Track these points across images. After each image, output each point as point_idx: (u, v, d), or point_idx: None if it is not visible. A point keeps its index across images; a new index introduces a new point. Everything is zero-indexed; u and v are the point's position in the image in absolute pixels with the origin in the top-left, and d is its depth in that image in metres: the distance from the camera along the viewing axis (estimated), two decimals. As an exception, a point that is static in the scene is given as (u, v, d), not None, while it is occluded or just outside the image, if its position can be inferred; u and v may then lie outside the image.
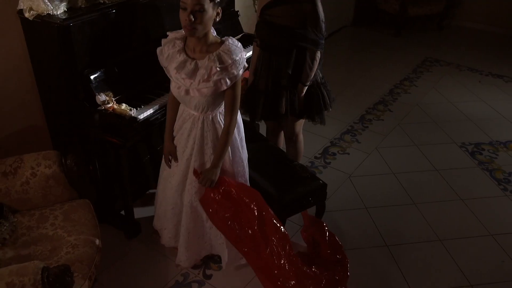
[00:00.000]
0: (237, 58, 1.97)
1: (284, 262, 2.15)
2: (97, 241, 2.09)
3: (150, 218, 2.79)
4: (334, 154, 3.62)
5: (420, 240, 2.80)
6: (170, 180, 2.37)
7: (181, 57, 2.00)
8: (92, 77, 2.36)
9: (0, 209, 2.12)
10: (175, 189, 2.34)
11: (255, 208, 2.18)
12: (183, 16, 1.90)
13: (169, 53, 2.05)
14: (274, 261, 2.14)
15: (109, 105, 2.32)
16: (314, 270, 2.28)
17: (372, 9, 6.55)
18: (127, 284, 2.44)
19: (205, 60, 1.97)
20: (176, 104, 2.24)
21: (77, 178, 2.36)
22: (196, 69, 1.98)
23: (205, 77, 1.96)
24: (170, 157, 2.34)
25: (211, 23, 1.96)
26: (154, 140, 3.01)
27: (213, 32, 2.08)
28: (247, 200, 2.18)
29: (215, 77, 1.95)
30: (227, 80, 1.98)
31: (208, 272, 2.53)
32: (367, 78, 5.00)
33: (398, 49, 5.83)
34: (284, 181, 2.52)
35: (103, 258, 2.23)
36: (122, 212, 2.77)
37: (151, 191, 3.11)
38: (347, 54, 5.68)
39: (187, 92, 2.02)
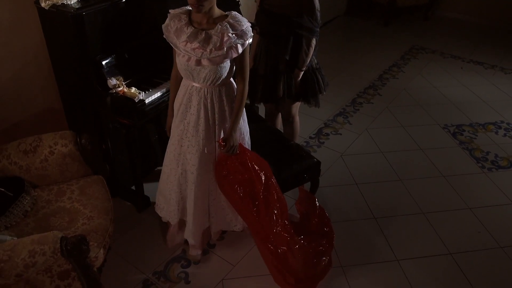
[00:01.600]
0: (245, 26, 1.89)
1: (279, 229, 2.16)
2: (110, 214, 2.09)
3: (159, 193, 2.80)
4: (327, 134, 3.61)
5: (405, 213, 2.81)
6: (184, 155, 2.19)
7: (190, 29, 1.88)
8: (103, 62, 2.33)
9: (22, 184, 2.12)
10: (190, 164, 2.17)
11: (263, 176, 2.16)
12: None
13: (176, 27, 1.91)
14: (271, 227, 2.14)
15: (120, 89, 2.30)
16: (303, 242, 2.29)
17: (364, 0, 6.46)
18: (138, 252, 2.46)
19: (217, 28, 1.85)
20: (180, 80, 2.12)
21: (91, 156, 2.35)
22: (208, 37, 1.85)
23: (218, 44, 1.84)
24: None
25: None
26: (161, 120, 2.99)
27: None
28: (257, 168, 2.16)
29: (227, 44, 1.84)
30: (239, 46, 1.87)
31: (211, 242, 2.54)
32: (358, 64, 4.96)
33: (387, 37, 5.76)
34: (281, 159, 2.51)
35: (116, 229, 2.24)
36: (133, 187, 2.78)
37: (159, 168, 3.10)
38: (340, 42, 5.61)
39: (198, 62, 1.88)
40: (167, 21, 1.96)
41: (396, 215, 2.79)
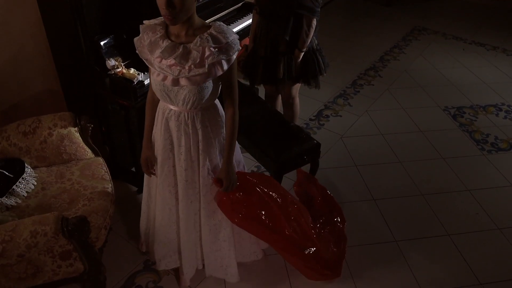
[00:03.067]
0: (231, 38, 1.58)
1: (307, 234, 2.09)
2: (111, 195, 2.10)
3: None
4: (327, 116, 3.60)
5: (404, 194, 2.83)
6: (165, 195, 1.92)
7: (165, 43, 1.58)
8: (102, 43, 2.31)
9: (22, 166, 2.12)
10: (174, 202, 1.94)
11: (275, 195, 2.00)
12: (160, 3, 1.49)
13: (150, 40, 1.61)
14: (298, 239, 2.04)
15: (119, 70, 2.28)
16: (323, 232, 2.28)
17: (365, -20, 6.35)
18: (139, 233, 2.48)
19: (196, 41, 1.55)
20: (157, 103, 1.84)
21: (90, 137, 2.35)
22: (186, 52, 1.56)
23: (198, 61, 1.55)
24: (153, 167, 1.96)
25: (194, 6, 1.55)
26: (161, 102, 2.98)
27: None
28: (266, 190, 1.98)
29: (209, 60, 1.54)
30: (224, 63, 1.57)
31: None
32: (359, 45, 4.91)
33: (389, 18, 5.69)
34: (281, 141, 2.51)
35: (117, 210, 2.26)
36: (133, 169, 2.78)
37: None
38: (341, 23, 5.54)
39: (175, 82, 1.59)
40: (140, 33, 1.67)
41: (395, 196, 2.81)
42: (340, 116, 3.61)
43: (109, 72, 2.28)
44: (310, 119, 3.55)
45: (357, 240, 2.48)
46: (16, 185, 2.04)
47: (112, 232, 2.40)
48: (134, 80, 2.26)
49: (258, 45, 2.66)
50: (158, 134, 1.84)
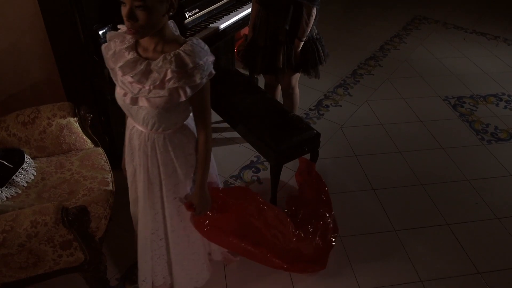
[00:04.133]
0: (201, 62, 1.39)
1: (290, 238, 2.07)
2: (111, 185, 2.10)
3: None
4: (327, 106, 3.59)
5: (403, 184, 2.83)
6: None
7: (131, 56, 1.42)
8: (100, 32, 2.29)
9: (22, 156, 2.12)
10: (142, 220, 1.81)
11: (249, 206, 1.93)
12: (122, 12, 1.33)
13: (116, 50, 1.46)
14: (278, 247, 2.02)
15: (118, 59, 2.26)
16: (305, 233, 2.22)
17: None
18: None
19: (159, 60, 1.38)
20: None
21: (90, 127, 2.35)
22: (147, 71, 1.40)
23: (157, 82, 1.39)
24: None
25: (163, 20, 1.38)
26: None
27: (173, 30, 1.52)
28: (242, 203, 1.90)
29: (170, 84, 1.37)
30: (187, 89, 1.39)
31: (212, 212, 2.57)
32: (359, 35, 4.88)
33: (389, 7, 5.65)
34: (281, 130, 2.51)
35: (117, 200, 2.25)
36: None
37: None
38: (341, 12, 5.51)
39: (134, 101, 1.44)
40: (107, 40, 1.53)
41: (395, 186, 2.81)
42: (340, 106, 3.61)
43: (108, 62, 2.27)
44: (310, 109, 3.54)
45: (356, 230, 2.49)
46: (16, 175, 2.04)
47: (112, 222, 2.40)
48: (133, 70, 2.25)
49: (258, 35, 2.64)
50: (125, 145, 1.72)
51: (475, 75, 4.14)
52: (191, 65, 1.37)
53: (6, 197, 1.98)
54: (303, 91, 3.41)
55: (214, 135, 3.19)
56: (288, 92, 2.90)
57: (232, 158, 2.98)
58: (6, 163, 2.04)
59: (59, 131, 2.22)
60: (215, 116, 3.01)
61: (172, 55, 1.37)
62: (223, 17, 2.97)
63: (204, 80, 1.43)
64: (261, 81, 3.23)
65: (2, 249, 1.64)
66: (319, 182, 2.57)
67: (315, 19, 2.54)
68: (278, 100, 3.08)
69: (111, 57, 1.47)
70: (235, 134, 3.05)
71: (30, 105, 2.25)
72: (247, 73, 2.96)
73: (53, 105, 2.25)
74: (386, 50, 4.54)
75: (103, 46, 1.51)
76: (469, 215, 2.63)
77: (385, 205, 2.67)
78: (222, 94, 2.87)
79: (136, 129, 1.59)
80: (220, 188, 1.92)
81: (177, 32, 1.53)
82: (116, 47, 1.47)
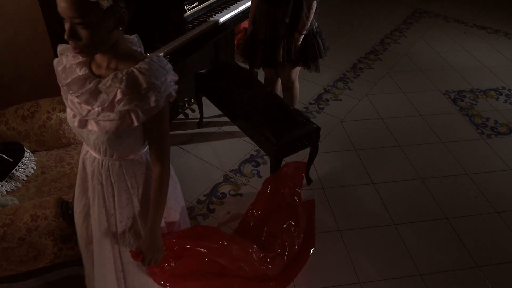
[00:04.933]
0: (157, 82, 1.20)
1: (256, 266, 1.97)
2: (111, 179, 2.11)
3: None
4: (327, 100, 3.59)
5: (403, 178, 2.84)
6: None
7: (82, 72, 1.26)
8: (99, 25, 2.28)
9: (21, 150, 2.12)
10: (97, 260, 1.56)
11: (208, 248, 1.74)
12: (66, 30, 1.16)
13: (67, 65, 1.30)
14: (246, 273, 1.92)
15: (117, 53, 2.25)
16: (274, 259, 2.10)
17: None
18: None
19: (108, 79, 1.20)
20: None
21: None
22: (97, 90, 1.23)
23: (106, 104, 1.21)
24: None
25: (113, 36, 1.19)
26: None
27: (135, 43, 1.36)
28: (199, 244, 1.71)
29: (120, 106, 1.20)
30: (140, 113, 1.21)
31: (211, 206, 2.58)
32: (359, 28, 4.87)
33: (390, 0, 5.63)
34: (280, 125, 2.51)
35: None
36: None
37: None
38: (342, 6, 5.48)
39: (82, 123, 1.26)
40: (58, 53, 1.37)
41: (394, 180, 2.82)
42: (340, 100, 3.60)
43: (107, 56, 2.26)
44: (310, 103, 3.54)
45: (355, 224, 2.50)
46: (16, 169, 2.04)
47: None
48: (132, 64, 2.24)
49: (258, 28, 2.63)
50: (77, 175, 1.51)
51: (475, 69, 4.13)
52: (144, 85, 1.18)
53: (6, 191, 1.98)
54: (303, 85, 3.40)
55: (214, 129, 3.19)
56: (288, 86, 2.90)
57: (232, 152, 2.99)
58: (6, 157, 2.04)
59: (58, 125, 2.22)
60: (215, 110, 3.01)
61: (124, 73, 1.19)
62: (223, 11, 2.95)
63: (162, 103, 1.23)
64: (261, 75, 3.22)
65: (3, 243, 1.64)
66: (297, 201, 2.42)
67: (315, 12, 2.53)
68: (278, 94, 3.08)
69: (61, 73, 1.30)
70: (234, 128, 3.05)
71: (30, 99, 2.25)
72: (246, 66, 2.95)
73: (53, 99, 2.24)
74: (386, 44, 4.53)
75: (55, 61, 1.34)
76: (468, 209, 2.64)
77: (384, 199, 2.67)
78: (221, 87, 2.86)
79: (90, 154, 1.41)
80: (174, 233, 1.65)
81: (140, 48, 1.37)
82: (67, 61, 1.30)
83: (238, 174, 2.81)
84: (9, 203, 1.85)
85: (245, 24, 2.91)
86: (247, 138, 2.95)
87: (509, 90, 3.81)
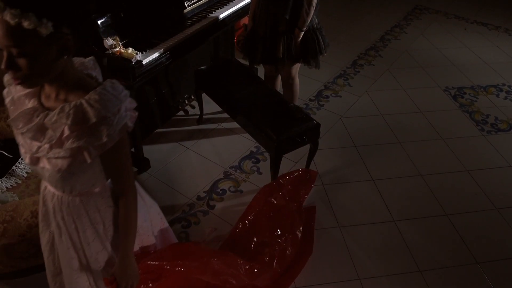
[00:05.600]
0: (110, 114, 1.10)
1: (241, 277, 1.93)
2: (111, 175, 2.10)
3: (158, 155, 2.81)
4: (327, 96, 3.59)
5: (402, 175, 2.84)
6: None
7: (31, 104, 1.15)
8: (99, 22, 2.28)
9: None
10: None
11: (191, 262, 1.72)
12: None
13: (15, 96, 1.19)
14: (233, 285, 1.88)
15: (116, 49, 2.26)
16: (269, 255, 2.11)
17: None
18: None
19: (54, 113, 1.09)
20: None
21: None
22: (44, 125, 1.12)
23: (54, 140, 1.11)
24: None
25: (58, 65, 1.07)
26: (159, 82, 2.97)
27: (90, 67, 1.25)
28: (179, 262, 1.67)
29: (69, 144, 1.10)
30: (92, 150, 1.11)
31: (211, 203, 2.58)
32: (360, 25, 4.86)
33: (390, -3, 5.62)
34: (280, 121, 2.51)
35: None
36: (132, 150, 2.78)
37: (158, 130, 3.11)
38: (342, 2, 5.47)
39: (34, 161, 1.17)
40: (5, 84, 1.23)
41: (394, 177, 2.82)
42: (340, 96, 3.60)
43: (107, 52, 2.26)
44: (310, 100, 3.53)
45: (355, 220, 2.50)
46: (16, 166, 2.04)
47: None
48: (132, 60, 2.24)
49: (258, 24, 2.63)
50: (39, 208, 1.41)
51: (475, 65, 4.12)
52: (94, 119, 1.07)
53: (6, 187, 1.98)
54: (303, 82, 3.40)
55: (214, 126, 3.19)
56: (288, 83, 2.90)
57: (232, 149, 2.99)
58: (6, 154, 2.04)
59: (58, 122, 2.22)
60: (215, 106, 3.01)
61: (71, 106, 1.08)
62: (223, 7, 2.95)
63: (115, 137, 1.12)
64: (261, 71, 3.22)
65: (3, 239, 1.64)
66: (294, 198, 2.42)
67: (315, 8, 2.53)
68: (278, 90, 3.07)
69: (10, 105, 1.18)
70: (234, 125, 3.05)
71: (29, 95, 2.24)
72: (246, 63, 2.95)
73: (52, 95, 2.24)
74: (387, 40, 4.52)
75: (4, 92, 1.22)
76: (468, 205, 2.64)
77: (384, 196, 2.67)
78: (221, 84, 2.86)
79: (49, 189, 1.30)
80: (150, 255, 1.59)
81: (96, 72, 1.26)
82: (16, 92, 1.18)
83: (238, 171, 2.81)
84: (9, 199, 1.86)
85: (245, 20, 2.91)
86: (247, 135, 2.94)
87: (509, 86, 3.80)
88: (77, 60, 1.23)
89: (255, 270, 2.00)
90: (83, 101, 1.08)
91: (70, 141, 1.09)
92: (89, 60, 1.26)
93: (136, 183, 1.38)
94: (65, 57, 1.08)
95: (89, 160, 1.13)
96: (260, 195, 2.42)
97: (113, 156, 1.19)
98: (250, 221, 2.32)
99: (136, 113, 1.20)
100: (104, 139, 1.10)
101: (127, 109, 1.16)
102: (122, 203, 1.31)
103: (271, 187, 2.47)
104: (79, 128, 1.09)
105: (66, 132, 1.09)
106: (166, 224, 1.74)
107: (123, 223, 1.33)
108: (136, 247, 1.49)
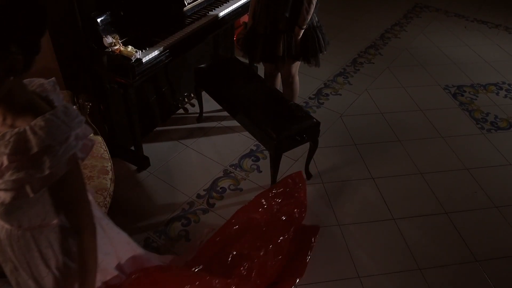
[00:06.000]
0: (55, 144, 0.99)
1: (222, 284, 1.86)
2: (110, 173, 2.11)
3: (158, 153, 2.80)
4: (327, 95, 3.58)
5: (402, 173, 2.84)
6: None
7: None
8: (98, 20, 2.27)
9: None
10: None
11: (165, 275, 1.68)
12: None
13: None
14: None
15: (116, 47, 2.25)
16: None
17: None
18: (139, 211, 2.50)
19: None
20: None
21: (89, 116, 2.34)
22: None
23: None
24: None
25: (3, 86, 0.98)
26: (159, 81, 2.96)
27: (48, 89, 1.15)
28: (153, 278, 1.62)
29: (8, 176, 1.00)
30: (34, 183, 1.01)
31: (211, 201, 2.58)
32: (360, 23, 4.85)
33: (390, -5, 5.60)
34: (280, 119, 2.50)
35: (117, 188, 2.26)
36: (132, 148, 2.78)
37: (158, 128, 3.11)
38: (342, 0, 5.46)
39: None
40: None
41: (394, 175, 2.82)
42: (340, 94, 3.59)
43: (107, 50, 2.26)
44: (310, 98, 3.53)
45: (355, 218, 2.50)
46: None
47: (111, 210, 2.41)
48: (131, 58, 2.23)
49: (258, 22, 2.62)
50: None
51: (475, 63, 4.12)
52: (35, 149, 0.97)
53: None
54: (303, 80, 3.39)
55: (214, 124, 3.19)
56: (288, 81, 2.89)
57: (232, 147, 2.98)
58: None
59: (58, 120, 2.21)
60: (214, 105, 3.01)
61: (13, 133, 0.98)
62: (223, 5, 2.94)
63: (60, 169, 1.02)
64: (261, 70, 3.21)
65: (3, 237, 1.64)
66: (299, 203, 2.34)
67: (315, 6, 2.52)
68: (278, 88, 3.07)
69: None
70: (234, 123, 3.04)
71: (29, 93, 2.24)
72: (246, 61, 2.94)
73: (52, 93, 2.23)
74: (387, 39, 4.52)
75: None
76: (468, 204, 2.64)
77: (384, 194, 2.67)
78: (221, 82, 2.85)
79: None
80: (120, 283, 1.51)
81: (54, 95, 1.14)
82: None
83: (238, 169, 2.81)
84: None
85: (245, 18, 2.90)
86: (247, 133, 2.94)
87: (509, 85, 3.80)
88: (36, 81, 1.14)
89: (234, 287, 1.90)
90: (27, 128, 0.98)
91: (9, 172, 0.99)
92: (49, 81, 1.16)
93: (99, 213, 1.28)
94: (11, 77, 0.97)
95: (31, 195, 1.02)
96: (241, 212, 2.30)
97: (62, 189, 1.08)
98: (228, 235, 2.20)
99: (93, 142, 1.09)
100: (47, 171, 0.99)
101: (78, 137, 1.05)
102: (78, 241, 1.19)
103: (254, 204, 2.35)
104: (18, 158, 0.98)
105: (5, 163, 0.99)
106: (139, 251, 1.64)
107: (80, 262, 1.21)
108: (99, 283, 1.39)
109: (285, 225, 2.25)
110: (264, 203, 2.35)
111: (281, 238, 2.15)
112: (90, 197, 1.25)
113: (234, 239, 2.16)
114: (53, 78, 1.17)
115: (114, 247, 1.48)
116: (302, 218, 2.41)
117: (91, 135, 2.32)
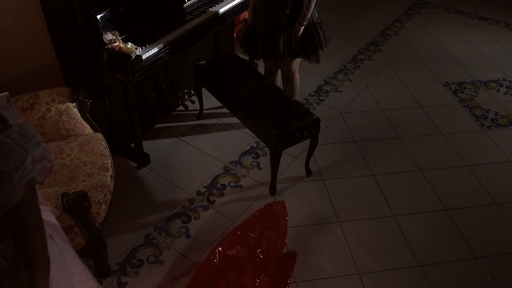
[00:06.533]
0: (9, 169, 0.91)
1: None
2: (111, 170, 2.10)
3: (158, 150, 2.80)
4: (327, 91, 3.57)
5: (402, 170, 2.83)
6: None
7: None
8: (98, 16, 2.26)
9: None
10: None
11: None
12: None
13: None
14: None
15: (116, 44, 2.24)
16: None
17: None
18: (139, 207, 2.50)
19: None
20: None
21: (89, 113, 2.34)
22: None
23: None
24: None
25: None
26: (159, 77, 2.96)
27: (3, 105, 0.99)
28: None
29: None
30: None
31: (211, 198, 2.58)
32: (360, 19, 4.83)
33: (391, -9, 5.58)
34: (280, 116, 2.50)
35: (117, 185, 2.26)
36: (132, 144, 2.78)
37: (158, 125, 3.10)
38: (342, -4, 5.45)
39: None
40: None
41: (394, 172, 2.81)
42: (340, 91, 3.59)
43: (106, 47, 2.25)
44: (310, 95, 3.52)
45: (355, 215, 2.50)
46: None
47: (112, 207, 2.41)
48: (131, 55, 2.23)
49: (258, 19, 2.61)
50: None
51: (476, 60, 4.11)
52: None
53: (6, 182, 1.98)
54: (303, 77, 3.39)
55: (214, 121, 3.18)
56: (288, 78, 2.88)
57: (232, 144, 2.98)
58: (5, 149, 2.03)
59: (58, 117, 2.21)
60: (215, 102, 3.00)
61: None
62: (223, 1, 2.93)
63: (15, 196, 0.91)
64: (261, 66, 3.20)
65: (3, 234, 1.64)
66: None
67: (316, 3, 2.51)
68: (278, 85, 3.06)
69: None
70: (234, 120, 3.04)
71: (29, 91, 2.24)
72: (246, 58, 2.94)
73: (52, 90, 2.23)
74: (387, 35, 4.50)
75: None
76: (468, 200, 2.64)
77: (384, 191, 2.67)
78: (221, 79, 2.85)
79: None
80: None
81: (8, 112, 0.98)
82: None
83: (238, 166, 2.81)
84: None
85: (245, 15, 2.89)
86: (247, 130, 2.93)
87: (509, 81, 3.79)
88: None
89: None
90: None
91: None
92: (2, 96, 1.00)
93: (53, 242, 1.15)
94: None
95: None
96: (219, 250, 2.22)
97: (15, 218, 0.97)
98: (203, 276, 2.12)
99: (52, 163, 0.97)
100: (1, 199, 0.88)
101: (35, 160, 0.94)
102: (31, 273, 1.06)
103: (229, 239, 2.28)
104: None
105: None
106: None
107: None
108: None
109: (263, 263, 2.17)
110: (242, 237, 2.28)
111: (257, 281, 2.08)
112: (53, 219, 1.12)
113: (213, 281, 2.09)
114: (6, 93, 1.00)
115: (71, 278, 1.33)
116: (281, 251, 2.28)
117: (92, 132, 2.32)
